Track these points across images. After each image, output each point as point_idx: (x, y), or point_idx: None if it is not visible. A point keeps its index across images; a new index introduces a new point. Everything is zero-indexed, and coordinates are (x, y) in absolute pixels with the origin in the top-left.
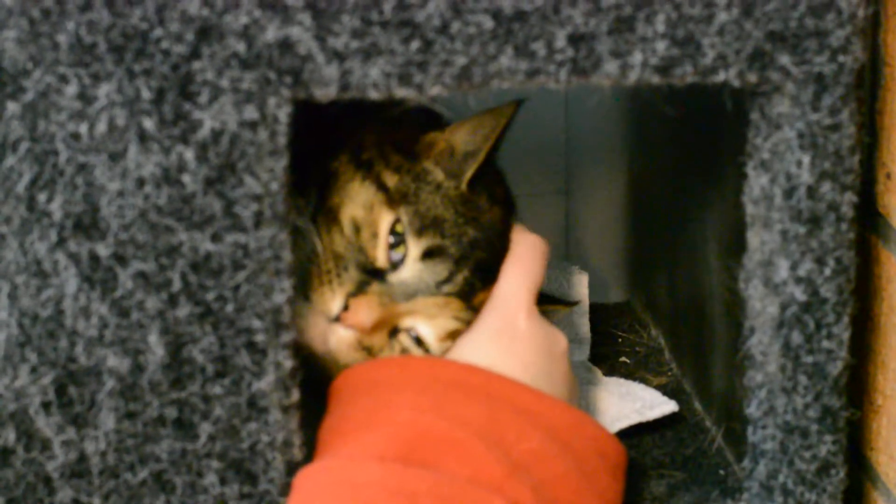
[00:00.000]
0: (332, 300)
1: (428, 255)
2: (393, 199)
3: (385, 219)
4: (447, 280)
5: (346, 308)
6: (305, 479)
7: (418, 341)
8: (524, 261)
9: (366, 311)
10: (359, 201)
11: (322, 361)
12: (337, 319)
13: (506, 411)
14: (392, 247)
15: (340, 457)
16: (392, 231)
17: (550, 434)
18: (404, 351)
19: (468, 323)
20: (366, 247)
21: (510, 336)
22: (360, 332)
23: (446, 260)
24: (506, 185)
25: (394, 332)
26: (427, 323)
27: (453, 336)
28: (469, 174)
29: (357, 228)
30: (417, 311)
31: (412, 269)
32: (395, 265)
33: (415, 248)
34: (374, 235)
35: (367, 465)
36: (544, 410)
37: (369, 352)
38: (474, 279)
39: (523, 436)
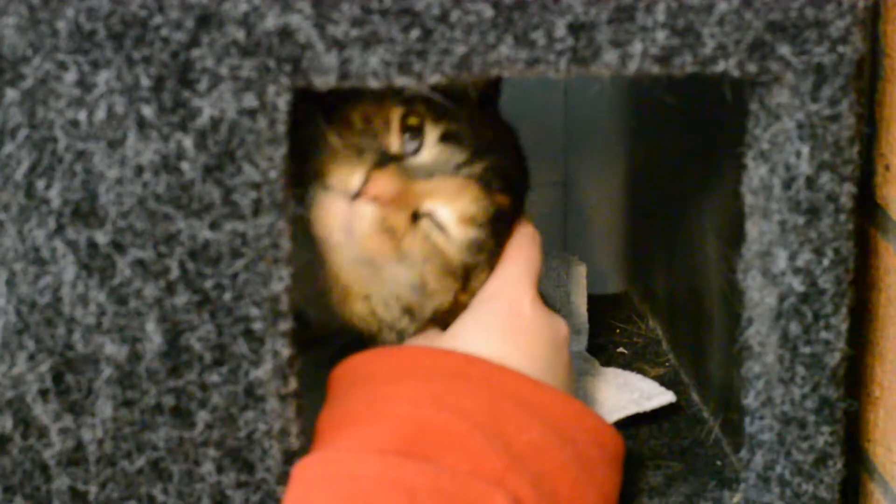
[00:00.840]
0: (352, 175)
1: (446, 137)
2: (405, 97)
3: (396, 110)
4: (466, 163)
5: (365, 183)
6: (303, 470)
7: (439, 228)
8: (525, 247)
9: (387, 180)
10: (370, 101)
11: (339, 267)
12: (357, 197)
13: (506, 402)
14: (408, 138)
15: (339, 449)
16: (406, 125)
17: (550, 425)
18: (426, 238)
19: (489, 216)
20: (379, 133)
21: (517, 324)
22: (382, 206)
23: (464, 146)
24: (522, 151)
25: (415, 218)
26: (447, 205)
27: (474, 222)
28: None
29: (368, 119)
30: (437, 191)
31: (430, 152)
32: (412, 152)
33: (432, 131)
34: (387, 123)
35: (366, 458)
36: (545, 402)
37: (392, 235)
38: (493, 176)
39: (523, 427)
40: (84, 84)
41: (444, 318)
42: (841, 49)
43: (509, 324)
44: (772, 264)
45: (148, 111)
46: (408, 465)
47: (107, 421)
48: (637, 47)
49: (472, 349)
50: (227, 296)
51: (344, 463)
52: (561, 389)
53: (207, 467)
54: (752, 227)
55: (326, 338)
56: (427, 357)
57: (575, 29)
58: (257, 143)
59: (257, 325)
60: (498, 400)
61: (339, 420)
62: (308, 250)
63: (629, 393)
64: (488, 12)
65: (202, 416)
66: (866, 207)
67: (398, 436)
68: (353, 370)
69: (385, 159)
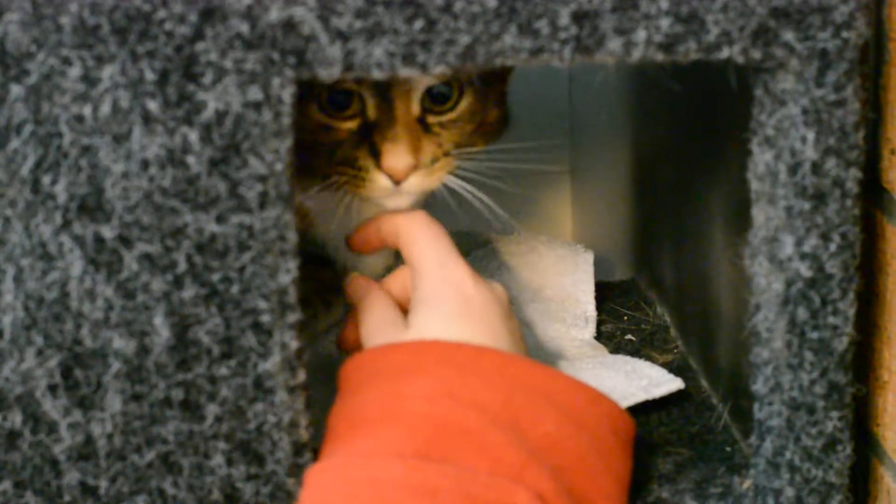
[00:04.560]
0: None
1: None
2: None
3: None
4: None
5: None
6: (320, 474)
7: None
8: (429, 228)
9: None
10: None
11: None
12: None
13: (520, 393)
14: None
15: (357, 454)
16: None
17: (566, 414)
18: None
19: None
20: None
21: (469, 307)
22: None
23: None
24: None
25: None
26: None
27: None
28: None
29: None
30: None
31: None
32: None
33: None
34: None
35: (386, 462)
36: (558, 389)
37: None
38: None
39: (539, 418)
40: (88, 79)
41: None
42: (845, 34)
43: (462, 309)
44: (778, 250)
45: (153, 105)
46: (429, 468)
47: (116, 415)
48: (641, 35)
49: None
50: (235, 289)
51: (363, 467)
52: (519, 353)
53: (217, 460)
54: (759, 213)
55: None
56: (438, 351)
57: (578, 17)
58: (263, 135)
59: (265, 318)
60: (512, 391)
61: (353, 419)
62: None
63: (638, 380)
64: (492, 2)
65: (211, 410)
66: (872, 192)
67: (416, 437)
68: (365, 365)
69: None
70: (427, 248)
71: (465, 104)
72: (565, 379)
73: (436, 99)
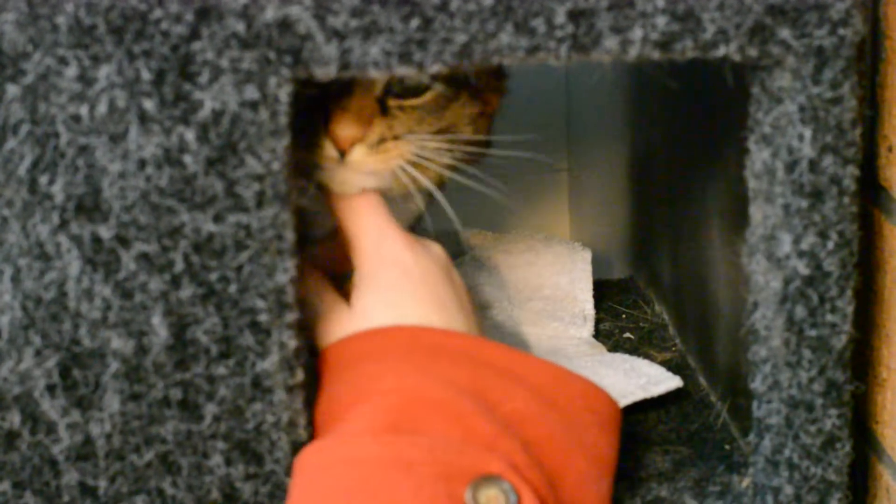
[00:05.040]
0: None
1: None
2: None
3: None
4: None
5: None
6: (305, 460)
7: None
8: (362, 200)
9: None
10: None
11: None
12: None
13: (487, 372)
14: None
15: (333, 435)
16: None
17: (533, 392)
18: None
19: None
20: None
21: (413, 281)
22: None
23: None
24: None
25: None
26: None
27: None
28: None
29: None
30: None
31: None
32: None
33: None
34: None
35: (360, 441)
36: (525, 369)
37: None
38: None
39: (506, 396)
40: (85, 79)
41: None
42: (841, 31)
43: (404, 286)
44: (776, 248)
45: (149, 105)
46: (401, 441)
47: (115, 415)
48: (637, 33)
49: (388, 323)
50: (233, 288)
51: (339, 449)
52: (469, 312)
53: (216, 460)
54: (756, 211)
55: None
56: (407, 334)
57: (575, 16)
58: (259, 134)
59: (263, 317)
60: (478, 371)
61: (330, 407)
62: None
63: (636, 378)
64: (488, 0)
65: (210, 409)
66: (870, 189)
67: (387, 412)
68: (339, 353)
69: None
70: (362, 222)
71: (430, 96)
72: (532, 359)
73: (407, 89)
